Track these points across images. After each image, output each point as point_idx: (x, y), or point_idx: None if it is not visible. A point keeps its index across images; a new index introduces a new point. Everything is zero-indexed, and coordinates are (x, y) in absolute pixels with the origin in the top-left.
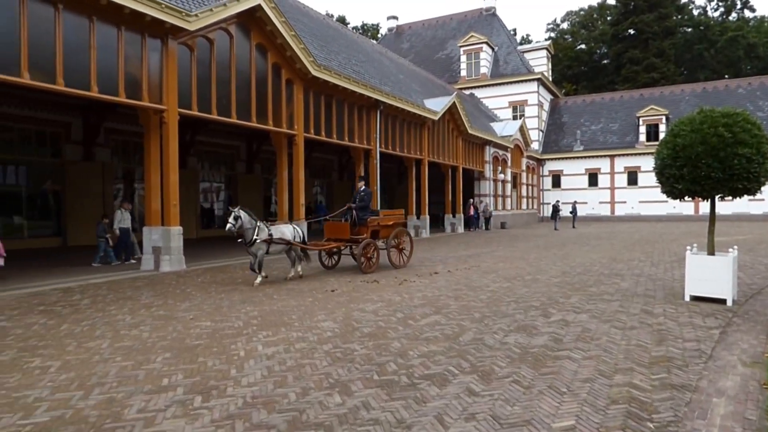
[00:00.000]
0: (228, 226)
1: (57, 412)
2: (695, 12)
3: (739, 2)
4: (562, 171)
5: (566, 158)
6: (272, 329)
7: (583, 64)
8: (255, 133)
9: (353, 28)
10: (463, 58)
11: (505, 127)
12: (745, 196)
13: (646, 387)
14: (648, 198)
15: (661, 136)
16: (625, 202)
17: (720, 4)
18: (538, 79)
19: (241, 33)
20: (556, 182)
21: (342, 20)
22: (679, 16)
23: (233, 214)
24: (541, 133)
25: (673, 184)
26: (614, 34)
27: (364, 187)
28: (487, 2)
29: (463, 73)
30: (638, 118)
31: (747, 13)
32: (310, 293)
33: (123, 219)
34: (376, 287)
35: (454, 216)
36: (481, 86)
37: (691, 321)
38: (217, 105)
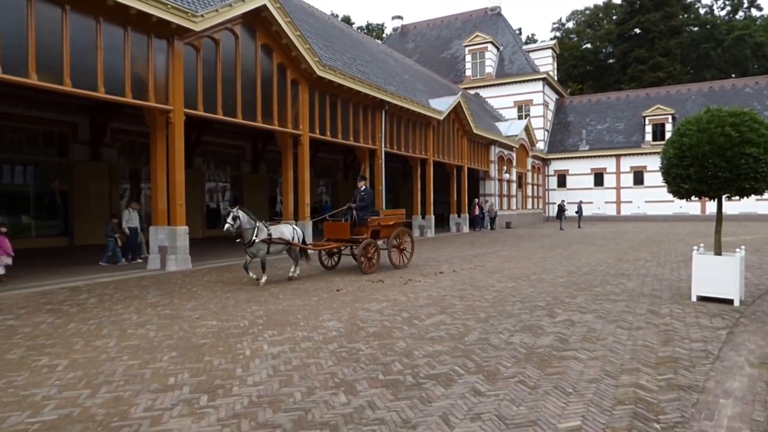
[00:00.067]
0: (226, 226)
1: (64, 411)
2: (702, 11)
3: (745, 1)
4: (567, 171)
5: (572, 158)
6: (278, 328)
7: (589, 64)
8: (260, 133)
9: (358, 28)
10: (468, 57)
11: (510, 127)
12: (753, 195)
13: (652, 387)
14: (654, 198)
15: (668, 135)
16: (631, 201)
17: (726, 2)
18: (544, 79)
19: (247, 33)
20: (562, 182)
21: (347, 20)
22: (686, 15)
23: (231, 214)
24: (546, 133)
25: (680, 183)
26: (620, 34)
27: (364, 186)
28: (492, 2)
29: (468, 72)
30: (644, 117)
31: (754, 12)
32: (315, 293)
33: (131, 218)
34: (381, 287)
35: (459, 216)
36: (486, 86)
37: (698, 321)
38: (223, 105)
